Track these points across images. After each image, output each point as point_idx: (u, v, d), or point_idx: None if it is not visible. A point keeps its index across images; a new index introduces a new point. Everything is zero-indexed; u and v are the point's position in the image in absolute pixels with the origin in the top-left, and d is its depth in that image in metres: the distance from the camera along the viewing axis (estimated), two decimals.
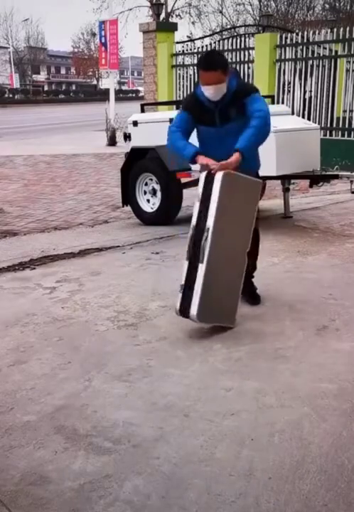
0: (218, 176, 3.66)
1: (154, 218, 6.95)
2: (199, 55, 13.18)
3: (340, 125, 11.04)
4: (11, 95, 56.09)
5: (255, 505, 2.23)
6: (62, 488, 2.34)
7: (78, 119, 29.64)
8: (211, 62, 3.81)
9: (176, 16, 31.15)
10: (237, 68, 12.49)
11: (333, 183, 7.98)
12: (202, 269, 3.64)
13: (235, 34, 13.98)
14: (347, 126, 10.91)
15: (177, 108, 8.99)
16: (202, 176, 3.79)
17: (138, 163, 7.03)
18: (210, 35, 17.07)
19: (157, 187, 6.93)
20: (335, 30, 11.20)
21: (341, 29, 10.90)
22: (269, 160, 5.82)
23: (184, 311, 3.71)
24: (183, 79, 13.69)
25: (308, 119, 10.82)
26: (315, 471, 2.41)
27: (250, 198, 3.89)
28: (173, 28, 14.58)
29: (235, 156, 3.76)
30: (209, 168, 3.75)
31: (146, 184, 7.07)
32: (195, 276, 3.68)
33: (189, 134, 4.06)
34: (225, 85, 3.81)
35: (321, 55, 11.26)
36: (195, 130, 4.12)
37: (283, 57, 11.70)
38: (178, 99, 13.18)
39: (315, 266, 5.19)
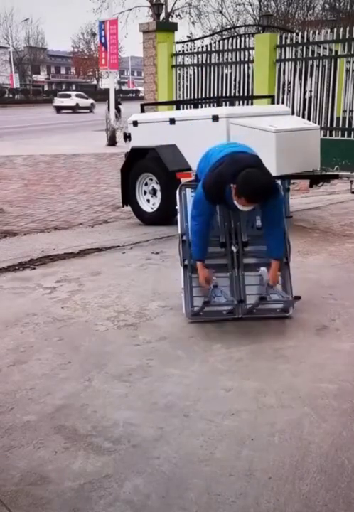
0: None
1: (154, 218, 6.95)
2: (199, 55, 13.20)
3: (340, 125, 11.03)
4: (11, 95, 56.12)
5: (255, 505, 2.22)
6: (62, 488, 2.34)
7: (78, 119, 29.64)
8: (260, 196, 3.67)
9: (176, 16, 31.21)
10: (237, 68, 12.51)
11: (333, 183, 7.99)
12: None
13: (235, 34, 13.98)
14: (347, 126, 10.90)
15: (177, 108, 9.01)
16: None
17: (138, 163, 7.03)
18: (210, 35, 17.06)
19: (157, 187, 6.93)
20: (335, 30, 11.19)
21: (341, 29, 10.89)
22: (269, 160, 5.80)
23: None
24: (183, 79, 13.68)
25: (308, 119, 10.81)
26: (315, 471, 2.41)
27: None
28: (173, 28, 14.57)
29: (275, 266, 3.94)
30: (204, 287, 3.93)
31: (146, 184, 7.07)
32: None
33: (210, 216, 4.01)
34: None
35: (321, 55, 11.25)
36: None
37: (283, 57, 11.68)
38: (178, 99, 13.18)
39: (315, 266, 5.19)
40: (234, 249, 4.05)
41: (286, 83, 11.83)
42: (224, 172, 3.75)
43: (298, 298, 3.86)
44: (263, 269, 4.01)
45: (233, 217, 4.11)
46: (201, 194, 3.91)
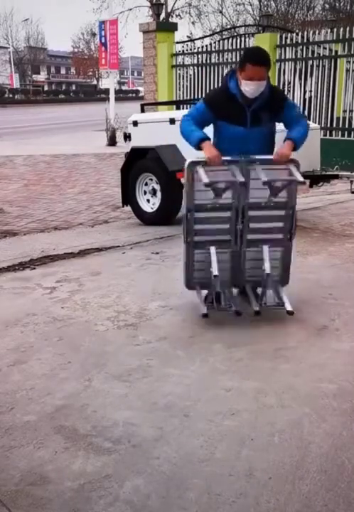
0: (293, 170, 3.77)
1: (154, 218, 6.95)
2: (199, 55, 13.20)
3: (340, 125, 11.04)
4: (11, 95, 56.07)
5: (255, 505, 2.23)
6: (62, 488, 2.34)
7: (78, 119, 29.64)
8: (262, 57, 3.70)
9: (176, 16, 31.17)
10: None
11: (333, 183, 7.98)
12: None
13: (235, 34, 13.98)
14: (347, 126, 10.91)
15: (177, 108, 9.03)
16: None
17: (138, 163, 7.03)
18: (210, 35, 17.06)
19: (157, 187, 6.93)
20: (335, 30, 11.20)
21: (341, 29, 10.90)
22: None
23: None
24: (183, 79, 13.68)
25: (308, 119, 10.81)
26: (315, 471, 2.41)
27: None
28: (173, 28, 14.58)
29: (289, 145, 3.80)
30: (215, 163, 3.74)
31: (146, 184, 7.07)
32: None
33: (202, 127, 3.91)
34: (265, 83, 3.71)
35: (321, 55, 11.26)
36: (213, 127, 3.98)
37: (283, 57, 11.69)
38: (178, 99, 13.18)
39: (315, 266, 5.20)
40: (239, 226, 3.96)
41: (286, 83, 11.84)
42: (226, 73, 3.93)
43: (290, 313, 3.83)
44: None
45: (242, 196, 3.91)
46: (200, 102, 3.93)
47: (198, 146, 3.83)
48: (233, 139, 3.83)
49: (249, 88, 3.68)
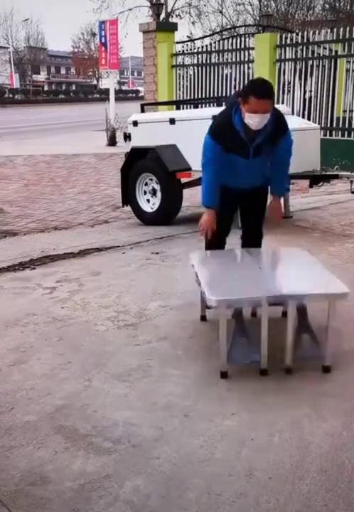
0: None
1: (154, 218, 6.95)
2: (199, 55, 13.20)
3: (340, 125, 11.04)
4: (11, 95, 56.05)
5: (255, 505, 2.22)
6: (62, 488, 2.34)
7: (78, 119, 29.64)
8: (266, 90, 3.62)
9: (176, 16, 31.14)
10: (237, 68, 12.51)
11: (333, 183, 7.98)
12: None
13: (235, 34, 13.98)
14: (347, 126, 10.91)
15: (177, 108, 9.03)
16: None
17: (138, 163, 7.03)
18: (210, 35, 17.07)
19: (157, 187, 6.93)
20: (335, 30, 11.20)
21: (341, 29, 10.90)
22: None
23: None
24: (183, 79, 13.69)
25: (308, 119, 10.82)
26: (315, 471, 2.41)
27: None
28: (173, 28, 14.58)
29: (277, 203, 4.14)
30: (204, 228, 3.93)
31: (146, 184, 7.07)
32: None
33: (219, 164, 3.93)
34: (269, 115, 3.67)
35: (321, 55, 11.26)
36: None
37: (283, 57, 11.70)
38: (178, 99, 13.19)
39: None
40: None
41: (286, 83, 11.85)
42: (229, 103, 3.93)
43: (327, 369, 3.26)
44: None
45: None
46: (207, 137, 3.89)
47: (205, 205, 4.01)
48: (236, 166, 3.91)
49: (253, 121, 3.64)
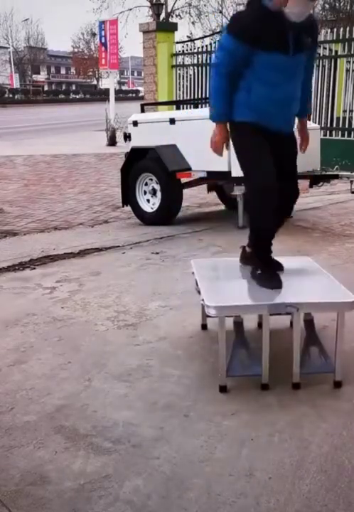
0: None
1: (154, 218, 6.95)
2: (199, 55, 13.20)
3: (340, 125, 11.04)
4: (11, 95, 56.08)
5: (255, 505, 2.22)
6: (62, 488, 2.34)
7: (78, 119, 29.64)
8: None
9: (176, 16, 31.18)
10: None
11: (333, 183, 7.98)
12: None
13: None
14: (347, 126, 10.91)
15: (177, 108, 9.02)
16: None
17: (138, 163, 7.03)
18: (210, 35, 17.05)
19: (157, 187, 6.93)
20: (335, 30, 11.20)
21: (341, 29, 10.90)
22: None
23: None
24: (183, 79, 13.69)
25: (308, 119, 10.81)
26: (315, 471, 2.41)
27: None
28: (173, 28, 14.59)
29: (306, 125, 3.55)
30: (215, 150, 3.34)
31: (146, 184, 7.07)
32: None
33: (239, 75, 3.13)
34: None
35: (321, 55, 11.26)
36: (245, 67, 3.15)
37: None
38: (178, 99, 13.18)
39: None
40: None
41: None
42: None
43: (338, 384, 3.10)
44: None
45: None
46: (225, 36, 3.11)
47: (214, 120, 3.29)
48: (273, 73, 3.11)
49: (297, 9, 2.93)
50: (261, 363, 3.07)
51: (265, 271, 3.38)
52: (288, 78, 3.15)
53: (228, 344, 3.14)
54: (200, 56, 13.26)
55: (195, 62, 13.41)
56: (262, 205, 3.25)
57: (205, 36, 16.50)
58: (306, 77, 3.41)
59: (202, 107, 9.91)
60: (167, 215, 6.94)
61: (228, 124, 3.33)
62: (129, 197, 7.18)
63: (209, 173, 6.82)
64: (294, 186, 3.49)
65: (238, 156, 3.35)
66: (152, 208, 7.04)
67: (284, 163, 3.33)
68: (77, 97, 62.46)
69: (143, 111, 7.85)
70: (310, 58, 3.39)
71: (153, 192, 7.00)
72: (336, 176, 6.85)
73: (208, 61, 13.08)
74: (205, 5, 31.32)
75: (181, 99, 13.16)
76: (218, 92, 3.21)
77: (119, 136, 14.43)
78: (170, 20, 27.66)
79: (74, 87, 75.90)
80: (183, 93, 13.58)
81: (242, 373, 3.16)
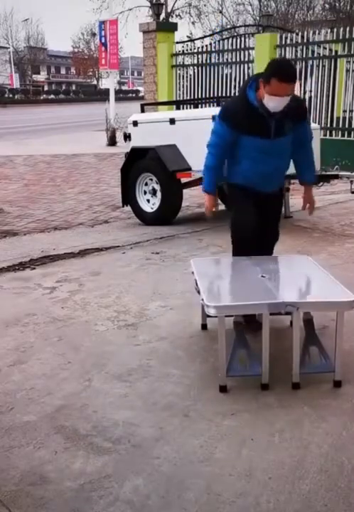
0: None
1: (154, 218, 6.95)
2: (199, 55, 13.19)
3: (340, 125, 11.04)
4: (11, 95, 56.05)
5: (255, 505, 2.22)
6: (62, 488, 2.34)
7: (78, 119, 29.63)
8: (291, 74, 3.41)
9: (176, 16, 31.17)
10: (237, 68, 12.51)
11: (333, 183, 7.98)
12: None
13: (235, 34, 13.98)
14: (347, 126, 10.91)
15: (177, 108, 9.02)
16: None
17: (138, 163, 7.04)
18: (210, 35, 17.07)
19: (157, 187, 6.93)
20: (335, 30, 11.20)
21: (341, 29, 10.90)
22: None
23: None
24: (183, 79, 13.68)
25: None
26: (315, 471, 2.41)
27: None
28: (173, 28, 14.58)
29: (310, 193, 3.98)
30: (207, 210, 3.92)
31: (146, 184, 7.07)
32: None
33: (229, 152, 3.70)
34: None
35: (321, 55, 11.26)
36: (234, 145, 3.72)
37: (283, 57, 11.68)
38: (178, 99, 13.18)
39: None
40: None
41: None
42: (244, 83, 3.69)
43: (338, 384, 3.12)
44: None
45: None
46: (216, 121, 3.66)
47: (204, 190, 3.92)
48: (257, 152, 3.65)
49: (273, 104, 3.43)
50: (261, 362, 3.07)
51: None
52: (270, 156, 3.67)
53: (228, 344, 3.14)
54: (200, 56, 13.26)
55: (195, 62, 13.41)
56: (239, 251, 3.89)
57: (205, 36, 16.51)
58: (304, 147, 3.82)
59: (202, 107, 9.93)
60: (167, 215, 6.94)
61: (226, 183, 3.99)
62: (129, 197, 7.18)
63: None
64: (275, 232, 4.05)
65: (228, 205, 4.12)
66: (152, 208, 7.04)
67: (268, 214, 3.90)
68: (77, 96, 62.44)
69: (143, 111, 7.85)
70: (303, 132, 3.75)
71: (153, 192, 7.00)
72: (336, 176, 6.85)
73: (208, 61, 13.09)
74: (205, 5, 31.34)
75: (181, 99, 13.15)
76: (209, 169, 3.83)
77: (119, 136, 14.42)
78: (170, 20, 27.67)
79: (74, 87, 75.86)
80: (183, 93, 13.57)
81: (242, 373, 3.17)
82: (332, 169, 7.19)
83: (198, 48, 13.46)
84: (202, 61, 13.20)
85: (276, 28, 16.43)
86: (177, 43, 13.95)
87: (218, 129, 3.68)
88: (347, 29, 10.67)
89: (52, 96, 63.14)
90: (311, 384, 3.10)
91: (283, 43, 11.60)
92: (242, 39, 12.58)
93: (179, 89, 13.69)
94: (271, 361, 3.09)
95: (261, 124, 3.55)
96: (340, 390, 3.04)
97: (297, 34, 11.96)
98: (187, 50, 13.68)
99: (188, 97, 13.19)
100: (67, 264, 5.40)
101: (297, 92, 11.64)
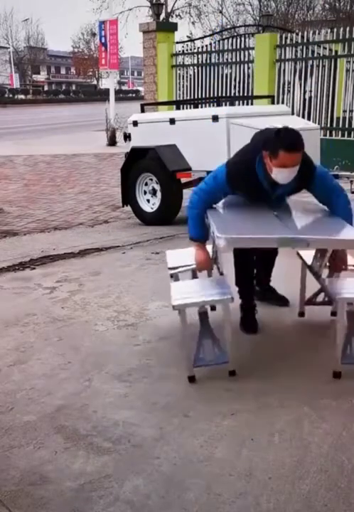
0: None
1: (154, 218, 6.95)
2: (199, 55, 13.18)
3: (340, 125, 11.04)
4: (11, 95, 56.04)
5: (255, 505, 2.22)
6: (62, 488, 2.34)
7: (78, 119, 29.63)
8: (298, 142, 3.21)
9: (176, 16, 31.16)
10: (237, 68, 12.51)
11: None
12: None
13: (235, 34, 13.98)
14: (347, 126, 10.91)
15: (177, 108, 9.02)
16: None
17: (138, 163, 7.04)
18: (210, 35, 17.07)
19: (157, 187, 6.93)
20: (335, 30, 11.20)
21: (341, 29, 10.90)
22: None
23: None
24: (183, 79, 13.69)
25: (308, 119, 10.81)
26: (315, 471, 2.41)
27: None
28: (173, 28, 14.58)
29: (343, 253, 3.59)
30: (202, 269, 3.71)
31: (146, 184, 7.07)
32: None
33: (215, 203, 3.64)
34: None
35: (321, 55, 11.26)
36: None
37: (283, 57, 11.69)
38: (178, 99, 13.18)
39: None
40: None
41: (286, 83, 11.84)
42: (252, 144, 3.54)
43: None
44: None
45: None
46: (222, 177, 3.49)
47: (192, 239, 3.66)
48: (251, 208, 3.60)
49: (282, 176, 3.28)
50: (227, 350, 3.15)
51: (245, 315, 3.85)
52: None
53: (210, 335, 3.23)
54: (200, 56, 13.26)
55: (195, 62, 13.41)
56: (241, 271, 3.86)
57: (205, 36, 16.51)
58: (331, 193, 3.68)
59: (202, 107, 9.93)
60: (167, 215, 6.94)
61: None
62: (129, 197, 7.18)
63: (209, 173, 6.82)
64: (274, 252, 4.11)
65: None
66: (152, 208, 7.04)
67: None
68: (77, 96, 62.43)
69: (143, 111, 7.85)
70: (319, 191, 3.61)
71: (153, 192, 7.00)
72: (336, 176, 6.83)
73: (208, 61, 13.09)
74: (205, 5, 31.32)
75: (181, 99, 13.15)
76: (195, 214, 3.58)
77: (119, 136, 14.43)
78: (170, 20, 27.66)
79: (74, 87, 75.84)
80: (183, 93, 13.58)
81: (208, 363, 3.21)
82: (332, 169, 7.19)
83: (198, 48, 13.46)
84: (202, 61, 13.20)
85: (276, 28, 16.43)
86: (177, 43, 13.95)
87: (221, 181, 3.52)
88: (347, 29, 10.67)
89: (52, 96, 63.09)
90: (311, 384, 3.10)
91: (283, 43, 11.60)
92: (242, 39, 12.58)
93: (179, 89, 13.69)
94: (274, 362, 3.11)
95: (260, 195, 3.49)
96: (340, 390, 3.04)
97: (297, 34, 11.96)
98: (187, 50, 13.68)
99: (188, 97, 13.19)
100: (67, 264, 5.40)
101: (297, 91, 11.68)
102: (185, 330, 3.17)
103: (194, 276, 3.84)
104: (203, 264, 3.64)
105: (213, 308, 3.81)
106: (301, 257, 3.87)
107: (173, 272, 3.61)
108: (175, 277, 3.68)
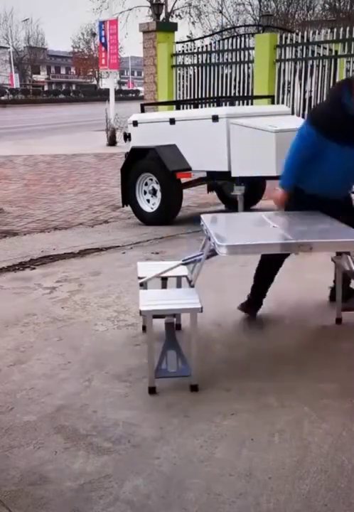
0: None
1: (154, 218, 6.95)
2: (199, 55, 13.19)
3: None
4: (11, 95, 56.04)
5: (255, 505, 2.22)
6: (62, 488, 2.34)
7: (78, 119, 29.62)
8: None
9: (176, 16, 31.19)
10: (237, 68, 12.52)
11: None
12: None
13: (235, 34, 13.98)
14: None
15: (177, 108, 9.03)
16: None
17: (138, 163, 7.04)
18: (210, 35, 17.07)
19: (157, 187, 6.93)
20: (335, 30, 11.21)
21: (341, 29, 10.90)
22: (269, 160, 5.81)
23: None
24: (183, 79, 13.70)
25: None
26: (315, 471, 2.41)
27: None
28: (173, 28, 14.60)
29: None
30: (277, 204, 3.81)
31: (146, 184, 7.07)
32: None
33: (307, 158, 3.62)
34: None
35: (321, 55, 11.27)
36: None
37: (283, 57, 11.71)
38: (178, 99, 13.19)
39: (316, 266, 5.19)
40: None
41: (286, 83, 11.85)
42: (331, 91, 3.71)
43: None
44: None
45: None
46: (305, 125, 3.58)
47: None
48: (337, 163, 3.57)
49: None
50: (191, 364, 3.06)
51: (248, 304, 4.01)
52: (346, 163, 3.57)
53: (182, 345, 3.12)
54: (200, 56, 13.27)
55: (195, 62, 13.42)
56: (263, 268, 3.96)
57: (205, 36, 16.52)
58: None
59: (202, 106, 9.93)
60: (167, 215, 6.94)
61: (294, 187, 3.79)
62: (129, 197, 7.18)
63: (209, 173, 6.83)
64: None
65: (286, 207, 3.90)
66: (152, 208, 7.04)
67: (349, 216, 3.71)
68: (77, 96, 62.42)
69: (143, 111, 7.85)
70: None
71: (153, 192, 7.00)
72: None
73: (208, 61, 13.09)
74: (205, 5, 31.34)
75: (181, 99, 13.16)
76: (289, 169, 3.70)
77: (119, 136, 14.42)
78: (170, 20, 27.68)
79: (74, 87, 75.81)
80: (183, 93, 13.59)
81: (171, 374, 3.13)
82: None
83: (198, 48, 13.47)
84: (202, 61, 13.21)
85: (276, 28, 16.43)
86: (177, 43, 13.96)
87: (306, 134, 3.59)
88: (347, 29, 10.69)
89: (52, 96, 63.08)
90: (311, 384, 3.10)
91: (283, 43, 11.61)
92: (242, 39, 12.60)
93: (179, 89, 13.71)
94: (273, 364, 3.10)
95: (350, 131, 3.47)
96: (340, 390, 3.04)
97: (297, 34, 11.97)
98: (187, 50, 13.70)
99: (188, 97, 13.20)
100: (67, 264, 5.40)
101: (297, 91, 11.69)
102: (150, 338, 3.08)
103: (164, 286, 3.79)
104: (280, 201, 3.79)
105: (179, 327, 3.70)
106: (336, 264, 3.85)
107: (142, 280, 3.58)
108: (144, 286, 3.60)
